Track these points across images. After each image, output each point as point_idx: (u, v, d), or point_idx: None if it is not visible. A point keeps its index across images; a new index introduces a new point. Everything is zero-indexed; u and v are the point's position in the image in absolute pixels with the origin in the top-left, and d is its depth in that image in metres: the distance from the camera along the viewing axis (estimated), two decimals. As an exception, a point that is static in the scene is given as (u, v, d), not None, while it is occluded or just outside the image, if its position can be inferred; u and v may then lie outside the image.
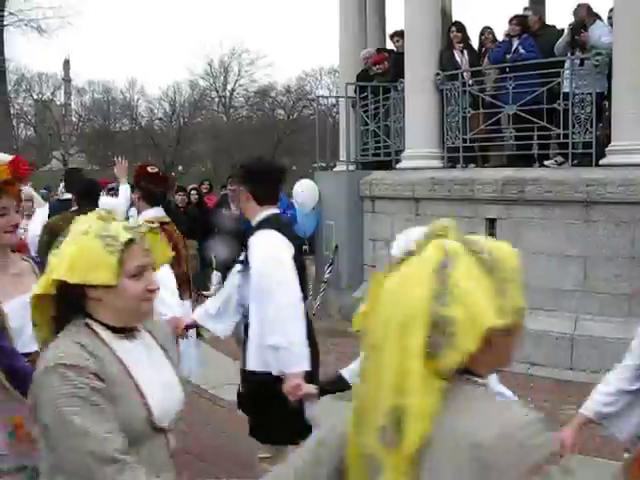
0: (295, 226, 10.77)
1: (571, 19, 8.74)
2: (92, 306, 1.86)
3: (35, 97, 60.05)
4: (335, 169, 11.78)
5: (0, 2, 24.15)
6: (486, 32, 9.52)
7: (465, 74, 9.05)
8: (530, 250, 7.71)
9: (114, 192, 12.30)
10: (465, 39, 9.43)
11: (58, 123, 60.44)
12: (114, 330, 1.88)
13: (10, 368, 2.38)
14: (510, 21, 8.82)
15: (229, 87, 59.38)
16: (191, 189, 12.02)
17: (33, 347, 2.20)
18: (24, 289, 2.47)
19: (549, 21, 13.29)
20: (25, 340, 2.47)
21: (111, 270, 1.79)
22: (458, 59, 9.32)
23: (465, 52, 9.38)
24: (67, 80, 61.55)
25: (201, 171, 54.36)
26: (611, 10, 8.14)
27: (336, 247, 10.11)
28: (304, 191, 10.60)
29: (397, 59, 10.24)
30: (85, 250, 1.80)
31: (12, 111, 34.64)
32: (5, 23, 24.93)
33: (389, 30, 11.87)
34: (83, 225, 1.87)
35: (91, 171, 56.13)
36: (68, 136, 61.09)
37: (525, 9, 11.17)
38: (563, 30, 8.72)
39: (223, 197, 11.08)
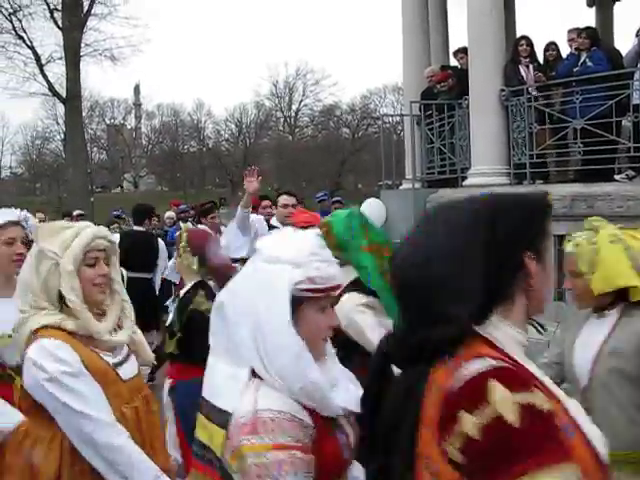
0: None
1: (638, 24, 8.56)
2: None
3: (107, 122, 62.03)
4: (401, 187, 11.80)
5: (78, 37, 25.14)
6: (550, 48, 9.43)
7: (531, 89, 8.98)
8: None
9: (186, 215, 12.62)
10: (533, 53, 9.35)
11: (129, 146, 62.28)
12: None
13: None
14: (579, 34, 8.70)
15: (294, 107, 60.14)
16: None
17: None
18: None
19: (617, 28, 13.15)
20: None
21: None
22: (524, 74, 9.24)
23: (531, 67, 9.29)
24: (137, 104, 63.42)
25: (267, 191, 54.96)
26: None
27: (403, 265, 10.10)
28: (371, 209, 10.64)
29: (461, 76, 10.22)
30: None
31: (86, 136, 35.79)
32: (82, 54, 25.90)
33: (452, 47, 11.89)
34: None
35: (161, 192, 57.61)
36: (138, 159, 62.84)
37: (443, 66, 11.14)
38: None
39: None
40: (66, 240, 2.54)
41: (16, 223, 3.23)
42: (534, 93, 8.93)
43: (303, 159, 51.12)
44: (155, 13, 62.53)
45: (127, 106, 63.50)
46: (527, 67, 9.25)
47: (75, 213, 13.33)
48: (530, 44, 9.36)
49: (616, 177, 8.07)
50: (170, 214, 13.22)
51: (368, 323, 3.16)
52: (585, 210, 7.58)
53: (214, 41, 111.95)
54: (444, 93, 10.60)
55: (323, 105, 59.13)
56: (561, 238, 7.99)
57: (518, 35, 10.83)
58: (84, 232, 2.59)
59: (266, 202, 7.95)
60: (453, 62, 11.45)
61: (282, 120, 60.96)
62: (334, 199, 11.41)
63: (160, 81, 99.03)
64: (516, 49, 9.41)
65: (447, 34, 12.42)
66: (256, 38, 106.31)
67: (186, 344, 3.96)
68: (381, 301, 3.23)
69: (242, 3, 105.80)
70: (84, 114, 34.94)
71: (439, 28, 12.18)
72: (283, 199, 6.33)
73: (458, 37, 11.01)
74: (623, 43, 10.92)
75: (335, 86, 67.79)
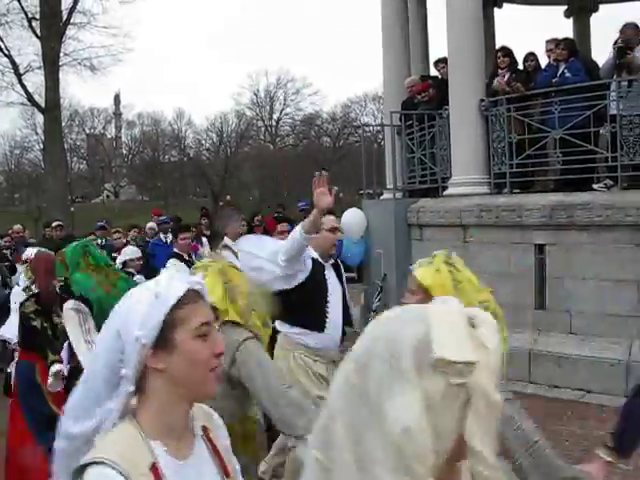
0: (342, 254, 10.84)
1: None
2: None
3: (87, 131, 61.72)
4: (382, 197, 11.83)
5: (57, 46, 24.97)
6: (529, 58, 9.51)
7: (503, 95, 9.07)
8: (580, 276, 7.64)
9: (167, 226, 12.54)
10: (512, 63, 9.41)
11: (109, 156, 61.99)
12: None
13: None
14: (557, 45, 8.79)
15: (275, 116, 60.22)
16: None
17: None
18: None
19: (594, 38, 13.29)
20: None
21: None
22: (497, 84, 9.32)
23: (507, 76, 9.33)
24: (117, 114, 63.18)
25: (249, 199, 54.89)
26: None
27: (385, 275, 10.12)
28: (352, 219, 10.66)
29: (441, 86, 10.28)
30: None
31: (66, 146, 35.55)
32: (61, 63, 25.71)
33: (432, 57, 11.97)
34: None
35: (141, 202, 57.34)
36: (119, 168, 62.55)
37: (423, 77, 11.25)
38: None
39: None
40: None
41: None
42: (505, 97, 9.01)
43: (284, 168, 51.15)
44: (135, 23, 62.25)
45: (107, 115, 63.29)
46: (504, 77, 9.32)
47: (54, 224, 13.20)
48: (507, 54, 9.43)
49: (594, 186, 8.15)
50: (152, 225, 13.13)
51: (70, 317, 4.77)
52: (565, 219, 7.65)
53: (194, 50, 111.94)
54: (424, 103, 10.66)
55: (304, 114, 59.33)
56: (541, 247, 8.12)
57: (497, 46, 10.93)
58: None
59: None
60: (434, 72, 11.51)
61: (263, 129, 61.02)
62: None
63: (140, 90, 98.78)
64: (495, 60, 9.51)
65: (427, 44, 12.50)
66: (237, 47, 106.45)
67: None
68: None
69: (222, 12, 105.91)
70: (63, 124, 34.77)
71: (419, 38, 12.25)
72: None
73: (438, 47, 11.07)
74: (599, 53, 11.12)
75: (316, 95, 67.92)
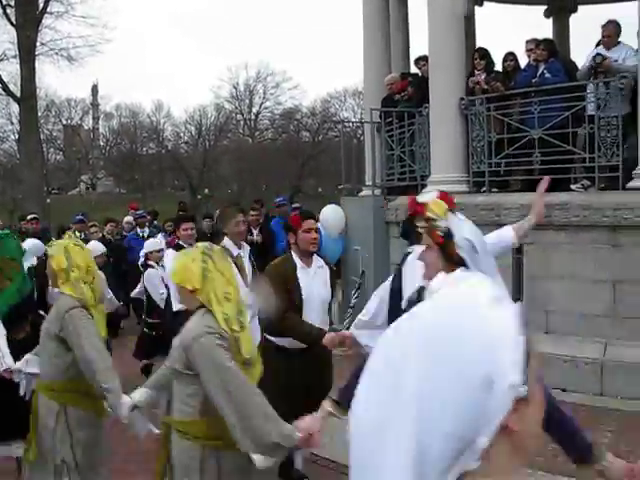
0: (321, 250, 10.83)
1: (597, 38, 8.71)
2: None
3: (64, 122, 61.03)
4: (361, 194, 11.83)
5: (33, 35, 24.63)
6: (509, 58, 9.55)
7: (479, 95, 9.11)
8: (558, 275, 7.70)
9: (144, 220, 12.46)
10: (488, 64, 9.45)
11: (86, 147, 61.36)
12: None
13: None
14: (537, 46, 8.84)
15: (254, 110, 59.96)
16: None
17: None
18: None
19: (574, 48, 13.40)
20: None
21: None
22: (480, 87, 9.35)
23: (483, 76, 9.36)
24: (95, 105, 62.52)
25: (227, 194, 54.68)
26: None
27: (363, 272, 10.13)
28: (331, 216, 10.65)
29: (422, 83, 10.29)
30: None
31: (42, 136, 35.16)
32: (37, 53, 25.38)
33: (413, 53, 11.97)
34: None
35: (119, 194, 56.90)
36: (96, 160, 61.94)
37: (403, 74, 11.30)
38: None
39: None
40: None
41: None
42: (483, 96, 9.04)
43: (263, 162, 50.97)
44: (114, 13, 61.73)
45: (84, 106, 62.56)
46: (480, 77, 9.35)
47: (29, 217, 13.04)
48: (484, 56, 9.46)
49: (572, 187, 8.21)
50: (129, 219, 13.04)
51: None
52: (543, 219, 7.67)
53: (174, 42, 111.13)
54: (405, 101, 10.66)
55: (283, 108, 59.12)
56: (519, 246, 8.13)
57: (477, 45, 10.97)
58: None
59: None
60: (414, 69, 11.51)
61: (242, 123, 60.74)
62: (294, 205, 11.36)
63: (118, 81, 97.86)
64: (472, 62, 9.55)
65: (408, 41, 12.50)
66: (216, 39, 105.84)
67: None
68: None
69: (202, 4, 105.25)
70: (39, 114, 34.36)
71: (400, 35, 12.25)
72: None
73: (419, 43, 11.08)
74: (578, 54, 11.24)
75: (296, 89, 67.69)
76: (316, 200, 39.62)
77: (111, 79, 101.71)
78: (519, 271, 8.08)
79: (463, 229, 2.97)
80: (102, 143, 64.14)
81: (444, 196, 3.08)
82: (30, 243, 7.63)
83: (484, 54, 9.48)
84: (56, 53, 27.22)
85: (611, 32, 8.35)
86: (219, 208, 17.93)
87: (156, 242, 8.66)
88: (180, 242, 7.10)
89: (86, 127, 63.61)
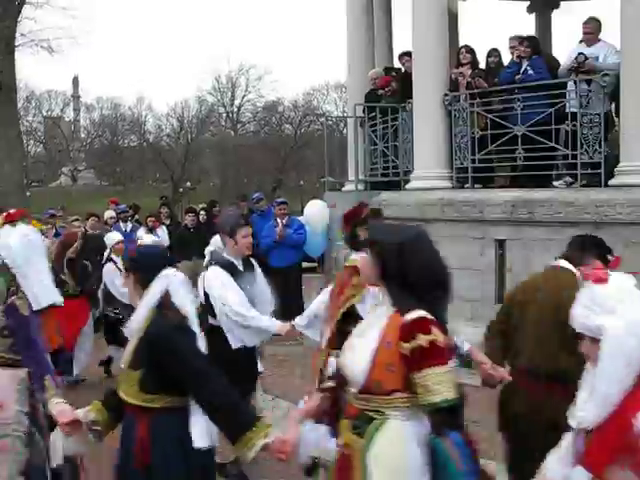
0: (305, 246, 10.83)
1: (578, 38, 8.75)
2: None
3: (44, 114, 60.50)
4: (344, 189, 11.82)
5: (13, 25, 24.30)
6: (493, 54, 9.57)
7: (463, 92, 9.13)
8: (540, 271, 7.72)
9: (126, 215, 12.38)
10: (474, 61, 9.47)
11: (67, 139, 60.87)
12: None
13: None
14: (521, 43, 8.86)
15: (236, 103, 59.77)
16: (201, 209, 12.08)
17: None
18: None
19: (556, 43, 13.46)
20: None
21: None
22: (464, 81, 9.37)
23: (468, 72, 9.39)
24: (76, 97, 62.03)
25: (209, 186, 54.49)
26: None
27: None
28: (315, 211, 10.66)
29: (405, 79, 10.29)
30: None
31: (22, 128, 34.79)
32: (17, 44, 25.06)
33: (397, 47, 11.96)
34: None
35: (100, 186, 56.51)
36: (77, 152, 61.48)
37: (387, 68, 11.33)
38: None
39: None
40: None
41: None
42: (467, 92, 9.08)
43: (245, 155, 50.85)
44: (96, 4, 61.13)
45: (65, 98, 62.12)
46: (466, 72, 9.37)
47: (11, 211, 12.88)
48: (470, 51, 9.50)
49: (555, 183, 8.25)
50: (111, 214, 12.91)
51: None
52: (525, 215, 7.73)
53: (156, 34, 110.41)
54: (388, 96, 10.65)
55: (266, 101, 58.97)
56: (501, 242, 8.20)
57: (460, 40, 10.98)
58: None
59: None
60: (398, 64, 11.49)
61: (224, 116, 60.52)
62: (279, 200, 11.29)
63: (100, 73, 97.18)
64: (458, 57, 9.56)
65: (391, 36, 12.48)
66: (199, 32, 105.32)
67: None
68: None
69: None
70: (19, 105, 33.97)
71: (384, 30, 12.23)
72: None
73: (403, 38, 11.06)
74: (561, 49, 11.32)
75: (278, 82, 67.62)
76: (298, 193, 39.64)
77: (92, 71, 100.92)
78: (501, 267, 8.12)
79: None
80: (83, 135, 63.68)
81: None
82: None
83: (471, 50, 9.50)
84: (36, 44, 26.88)
85: (592, 29, 8.37)
86: (202, 202, 17.80)
87: (116, 235, 8.89)
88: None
89: (67, 119, 63.13)
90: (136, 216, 14.27)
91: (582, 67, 8.06)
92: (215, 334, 4.80)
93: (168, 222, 12.63)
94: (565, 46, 9.14)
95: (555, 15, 14.08)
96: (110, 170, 58.94)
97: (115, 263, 8.17)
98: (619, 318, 2.27)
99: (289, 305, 7.74)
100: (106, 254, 8.47)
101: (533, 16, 14.09)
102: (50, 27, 27.26)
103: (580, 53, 8.14)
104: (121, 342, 6.97)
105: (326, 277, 10.89)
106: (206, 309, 5.05)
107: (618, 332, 2.22)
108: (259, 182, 48.91)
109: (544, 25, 13.88)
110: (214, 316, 5.06)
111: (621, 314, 2.26)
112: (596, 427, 2.31)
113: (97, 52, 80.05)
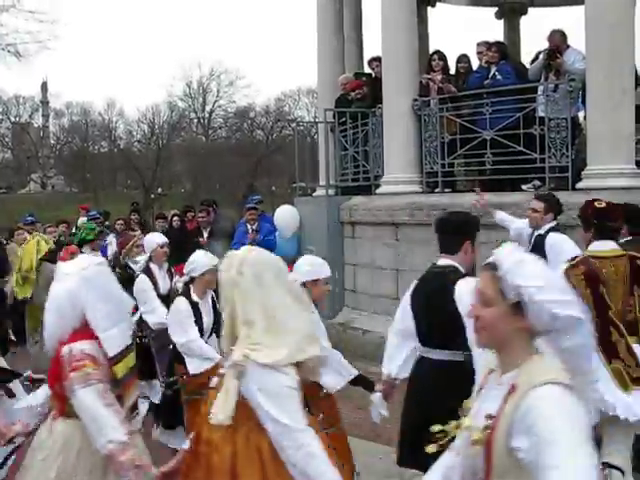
0: (275, 251, 10.78)
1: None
2: None
3: (12, 120, 59.72)
4: (315, 194, 11.81)
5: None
6: (462, 60, 9.63)
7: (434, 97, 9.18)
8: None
9: (98, 222, 12.21)
10: (445, 67, 9.53)
11: (36, 146, 60.15)
12: None
13: None
14: (489, 48, 8.93)
15: (208, 108, 59.56)
16: (173, 215, 11.97)
17: None
18: None
19: (524, 49, 13.60)
20: None
21: None
22: (431, 85, 9.43)
23: (438, 77, 9.44)
24: (45, 102, 61.37)
25: (181, 192, 54.19)
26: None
27: (316, 272, 10.09)
28: (285, 216, 10.62)
29: (375, 84, 10.31)
30: None
31: (-11, 135, 34.36)
32: (-18, 48, 24.74)
33: (367, 53, 11.97)
34: None
35: (70, 193, 55.89)
36: (46, 158, 60.80)
37: (357, 74, 11.42)
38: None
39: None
40: None
41: None
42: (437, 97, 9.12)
43: (216, 161, 50.67)
44: (65, 8, 60.49)
45: (34, 104, 61.39)
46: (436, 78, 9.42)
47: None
48: (442, 58, 9.56)
49: (523, 187, 8.31)
50: (83, 220, 12.74)
51: None
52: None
53: (126, 39, 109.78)
54: (358, 101, 10.67)
55: (237, 107, 58.84)
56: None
57: (430, 45, 11.03)
58: None
59: None
60: (368, 69, 11.52)
61: (195, 121, 60.27)
62: (249, 206, 11.23)
63: (70, 78, 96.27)
64: (429, 63, 9.61)
65: (362, 41, 12.51)
66: (170, 36, 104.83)
67: None
68: None
69: (156, 0, 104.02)
70: (-14, 111, 33.53)
71: (354, 35, 12.25)
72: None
73: (374, 42, 11.09)
74: (528, 55, 11.46)
75: (249, 88, 67.48)
76: (269, 198, 39.56)
77: (61, 76, 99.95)
78: (473, 269, 8.14)
79: None
80: (52, 141, 63.00)
81: None
82: None
83: (442, 56, 9.56)
84: (2, 49, 26.60)
85: (557, 42, 8.44)
86: (174, 208, 17.61)
87: (159, 237, 7.10)
88: None
89: (36, 125, 62.41)
90: (106, 222, 14.11)
91: (553, 62, 8.13)
92: None
93: (138, 228, 12.49)
94: (533, 51, 9.21)
95: (523, 21, 14.25)
96: (80, 176, 58.34)
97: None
98: None
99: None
100: (144, 259, 7.00)
101: (502, 22, 14.23)
102: (17, 31, 26.97)
103: (551, 48, 8.21)
104: None
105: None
106: None
107: None
108: (231, 188, 48.76)
109: (512, 31, 14.03)
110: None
111: None
112: None
113: (67, 57, 79.37)
